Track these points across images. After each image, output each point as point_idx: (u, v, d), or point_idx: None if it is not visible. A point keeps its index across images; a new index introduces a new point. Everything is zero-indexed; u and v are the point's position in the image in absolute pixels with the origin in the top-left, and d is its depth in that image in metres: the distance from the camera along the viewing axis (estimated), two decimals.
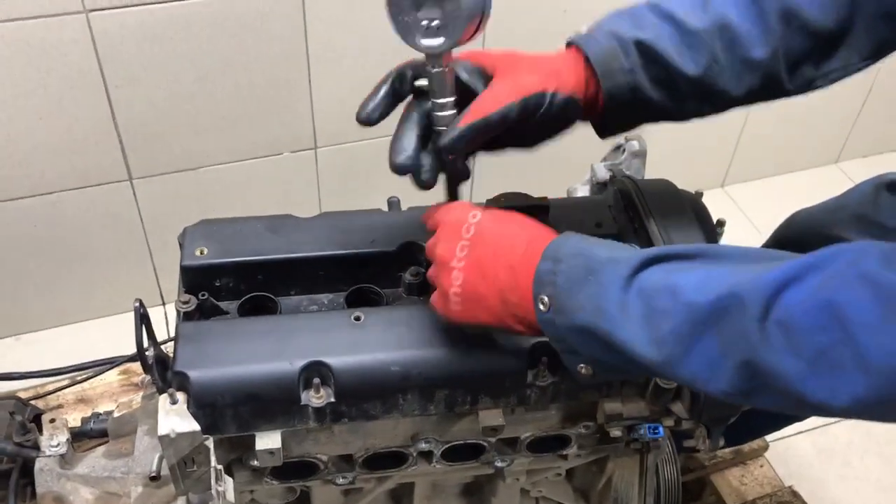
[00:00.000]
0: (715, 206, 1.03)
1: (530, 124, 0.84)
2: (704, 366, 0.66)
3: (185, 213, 1.76)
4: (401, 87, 0.83)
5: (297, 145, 1.78)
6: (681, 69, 0.84)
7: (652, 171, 1.14)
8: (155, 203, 1.75)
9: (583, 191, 1.16)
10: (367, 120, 0.82)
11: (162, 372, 0.88)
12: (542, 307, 0.73)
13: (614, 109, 0.87)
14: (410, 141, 0.82)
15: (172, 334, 0.91)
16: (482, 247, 0.78)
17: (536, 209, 0.95)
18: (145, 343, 0.86)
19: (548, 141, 0.89)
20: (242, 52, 1.60)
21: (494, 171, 2.02)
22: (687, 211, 0.99)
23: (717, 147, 2.28)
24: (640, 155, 1.10)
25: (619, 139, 1.16)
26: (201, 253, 0.92)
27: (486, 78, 0.83)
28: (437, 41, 0.76)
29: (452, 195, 0.90)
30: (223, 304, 0.93)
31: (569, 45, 0.87)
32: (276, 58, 1.63)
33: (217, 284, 0.93)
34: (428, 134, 0.84)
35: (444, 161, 0.85)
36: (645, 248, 0.75)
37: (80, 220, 1.71)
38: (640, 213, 0.98)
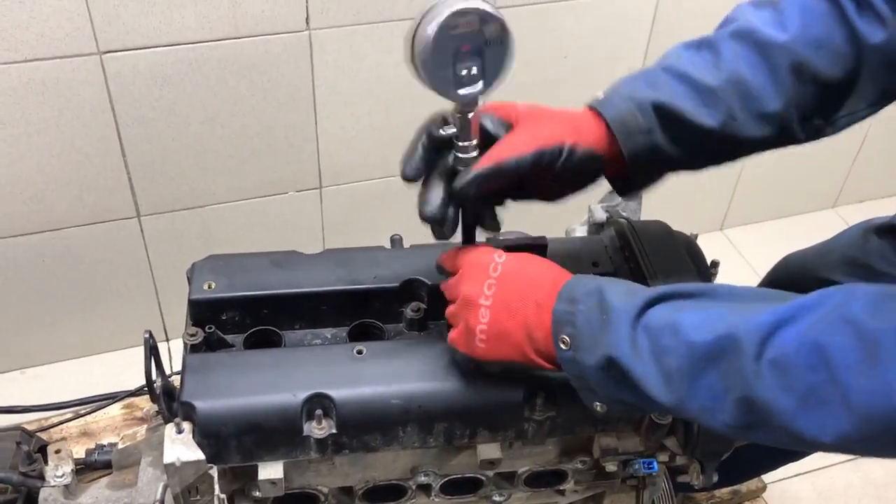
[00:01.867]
0: (713, 248, 1.06)
1: (549, 175, 0.85)
2: (709, 400, 0.70)
3: (191, 250, 1.80)
4: (431, 139, 0.85)
5: (302, 185, 1.82)
6: (699, 124, 0.86)
7: (652, 215, 1.17)
8: (161, 240, 1.78)
9: (580, 231, 1.18)
10: (412, 177, 0.85)
11: (168, 402, 0.90)
12: (562, 346, 0.77)
13: (637, 168, 0.89)
14: (438, 194, 0.85)
15: (175, 369, 0.93)
16: (509, 285, 0.81)
17: (535, 248, 0.98)
18: (153, 374, 0.88)
19: (572, 194, 0.91)
20: (250, 95, 1.64)
21: None
22: (681, 252, 1.02)
23: (715, 191, 2.31)
24: (637, 197, 1.13)
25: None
26: (209, 287, 0.95)
27: (509, 128, 0.86)
28: (474, 89, 0.79)
29: (469, 239, 0.92)
30: (229, 337, 0.96)
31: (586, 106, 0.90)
32: (283, 100, 1.67)
33: (223, 318, 0.95)
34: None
35: (465, 207, 0.88)
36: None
37: (88, 255, 1.74)
38: (636, 253, 1.01)
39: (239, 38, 1.56)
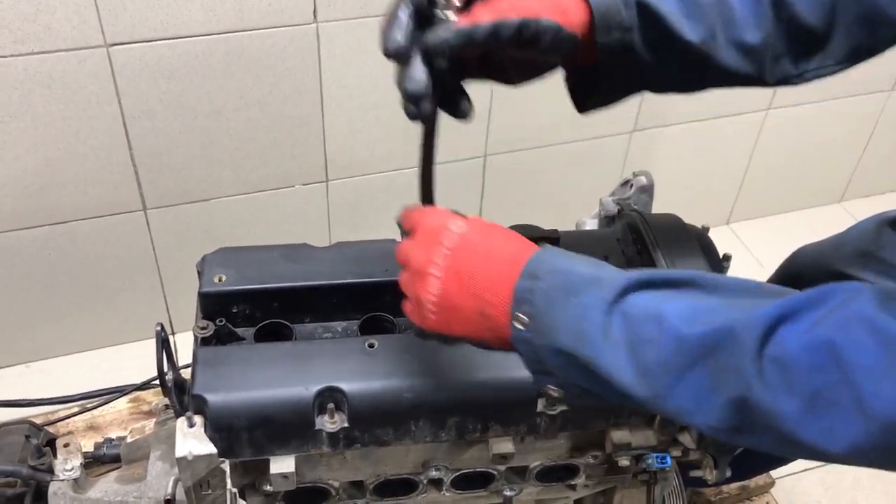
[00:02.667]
0: (720, 242, 1.05)
1: (523, 53, 0.79)
2: (691, 399, 0.64)
3: (197, 243, 1.79)
4: (416, 4, 0.75)
5: (308, 178, 1.81)
6: (680, 35, 0.82)
7: (658, 208, 1.16)
8: (168, 233, 1.77)
9: (591, 224, 1.18)
10: (401, 52, 0.74)
11: (179, 396, 0.90)
12: (517, 325, 0.70)
13: (603, 68, 0.84)
14: (421, 68, 0.74)
15: (182, 363, 0.92)
16: (463, 257, 0.74)
17: (547, 241, 0.97)
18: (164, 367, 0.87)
19: (533, 79, 0.85)
20: (257, 88, 1.63)
21: (502, 204, 2.05)
22: (694, 245, 1.01)
23: (722, 185, 2.31)
24: (648, 190, 1.13)
25: (627, 174, 1.19)
26: (220, 280, 0.95)
27: None
28: None
29: (427, 197, 0.86)
30: (239, 330, 0.95)
31: None
32: (290, 93, 1.66)
33: (234, 311, 0.95)
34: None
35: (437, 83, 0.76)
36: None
37: (94, 249, 1.73)
38: (648, 246, 1.01)
39: (246, 30, 1.55)
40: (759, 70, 0.86)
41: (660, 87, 0.89)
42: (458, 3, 0.76)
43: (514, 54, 0.80)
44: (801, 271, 1.34)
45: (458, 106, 0.81)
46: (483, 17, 0.74)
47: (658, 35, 0.82)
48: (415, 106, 0.75)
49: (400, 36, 0.73)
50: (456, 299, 0.74)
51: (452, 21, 0.75)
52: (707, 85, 0.89)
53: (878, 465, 0.59)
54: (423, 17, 0.75)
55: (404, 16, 0.74)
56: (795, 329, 0.59)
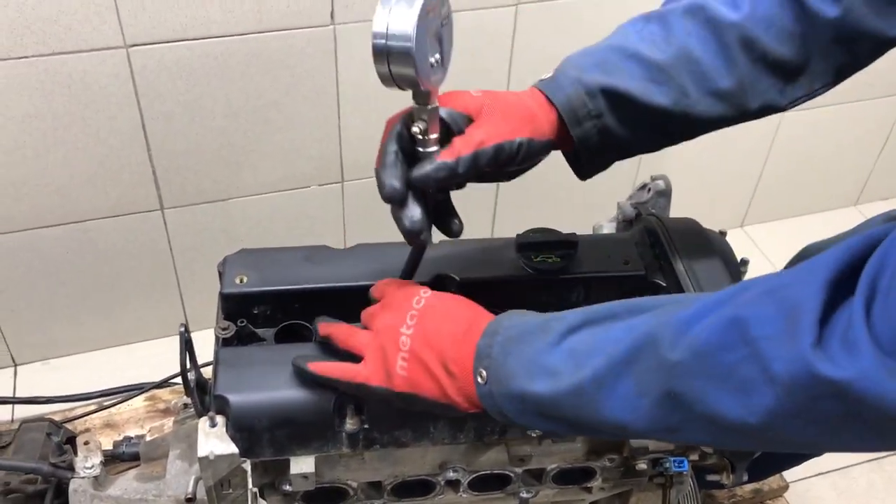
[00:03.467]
0: (734, 245, 1.06)
1: (505, 166, 0.86)
2: (624, 409, 0.68)
3: (214, 243, 1.81)
4: (403, 147, 0.82)
5: (324, 179, 1.82)
6: (651, 104, 0.86)
7: (672, 211, 1.16)
8: (185, 233, 1.78)
9: (608, 228, 1.18)
10: (393, 198, 0.80)
11: (200, 395, 0.91)
12: (480, 380, 0.76)
13: (586, 152, 0.89)
14: (418, 210, 0.82)
15: (199, 362, 0.93)
16: (429, 318, 0.80)
17: (566, 244, 0.98)
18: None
19: (521, 174, 0.91)
20: (274, 89, 1.64)
21: (517, 207, 2.05)
22: (712, 250, 1.02)
23: (736, 187, 2.30)
24: (666, 194, 1.13)
25: (644, 178, 1.19)
26: (241, 281, 0.95)
27: (468, 120, 0.85)
28: (439, 75, 0.79)
29: (410, 272, 0.93)
30: (260, 331, 0.96)
31: (535, 87, 0.89)
32: (307, 94, 1.67)
33: (255, 312, 0.96)
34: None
35: (429, 203, 0.84)
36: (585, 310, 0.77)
37: (111, 247, 1.75)
38: (667, 251, 1.01)
39: (264, 32, 1.56)
40: (739, 110, 0.89)
41: (646, 149, 0.94)
42: (436, 137, 0.81)
43: (495, 170, 0.87)
44: None
45: (450, 227, 0.89)
46: (462, 149, 0.80)
47: (630, 111, 0.86)
48: (414, 239, 0.83)
49: (395, 182, 0.80)
50: (423, 355, 0.78)
51: (435, 155, 0.81)
52: (689, 136, 0.92)
53: (798, 436, 0.61)
54: (410, 153, 0.82)
55: (393, 155, 0.80)
56: (710, 317, 0.62)
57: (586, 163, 0.92)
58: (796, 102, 0.91)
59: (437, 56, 0.77)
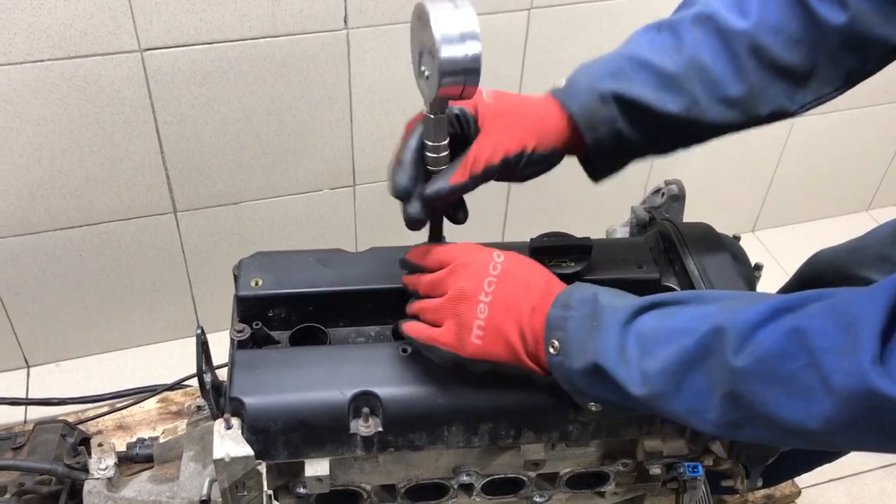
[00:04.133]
0: (746, 250, 1.05)
1: (514, 173, 0.89)
2: (694, 401, 0.71)
3: (226, 246, 1.82)
4: (420, 146, 0.85)
5: (336, 182, 1.83)
6: (663, 111, 0.88)
7: (684, 215, 1.16)
8: (197, 235, 1.79)
9: (622, 232, 1.18)
10: (399, 195, 0.84)
11: (215, 398, 0.91)
12: (552, 350, 0.78)
13: (602, 155, 0.91)
14: (418, 205, 0.85)
15: (213, 363, 0.94)
16: (508, 284, 0.82)
17: (580, 248, 0.98)
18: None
19: (537, 176, 0.93)
20: (287, 93, 1.65)
21: (528, 211, 2.05)
22: (726, 255, 1.01)
23: (748, 192, 2.30)
24: (680, 199, 1.13)
25: (653, 181, 1.19)
26: (256, 284, 0.96)
27: (474, 121, 0.87)
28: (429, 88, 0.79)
29: (437, 233, 0.92)
30: (275, 334, 0.96)
31: (549, 93, 0.91)
32: (320, 98, 1.68)
33: (270, 314, 0.96)
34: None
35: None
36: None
37: (125, 250, 1.76)
38: (681, 255, 1.01)
39: (278, 36, 1.57)
40: (750, 116, 0.91)
41: (658, 153, 0.95)
42: (446, 143, 0.84)
43: (502, 178, 0.89)
44: (818, 276, 1.33)
45: (457, 216, 0.91)
46: (473, 167, 0.84)
47: (642, 117, 0.88)
48: (415, 227, 0.87)
49: (404, 181, 0.84)
50: (502, 323, 0.80)
51: (447, 173, 0.84)
52: (702, 141, 0.94)
53: (856, 441, 0.66)
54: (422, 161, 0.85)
55: (408, 159, 0.84)
56: (773, 326, 0.65)
57: (600, 166, 0.94)
58: (806, 107, 0.92)
59: (426, 71, 0.79)
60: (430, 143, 0.84)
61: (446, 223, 0.92)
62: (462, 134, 0.87)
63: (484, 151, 0.84)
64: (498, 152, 0.85)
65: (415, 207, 0.85)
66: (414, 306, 0.88)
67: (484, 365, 0.83)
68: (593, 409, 0.81)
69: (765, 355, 0.65)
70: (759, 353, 0.65)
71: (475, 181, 0.85)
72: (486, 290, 0.81)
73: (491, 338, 0.81)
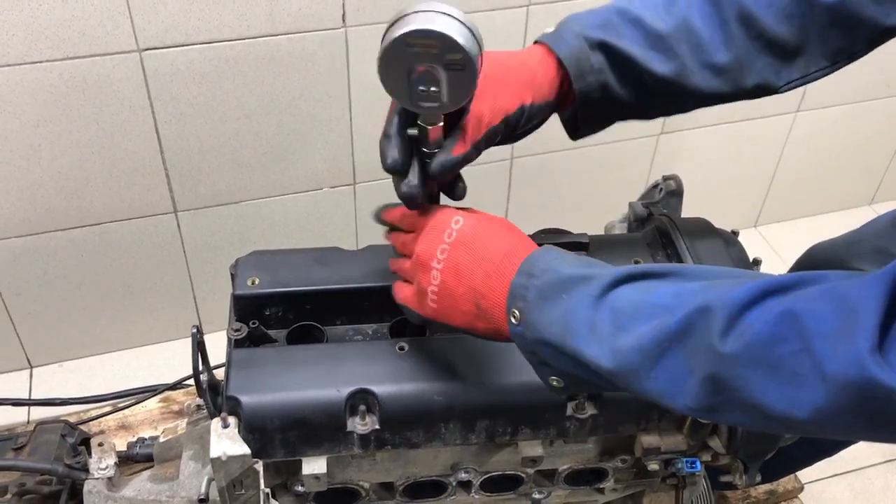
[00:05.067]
0: (748, 245, 1.05)
1: (511, 133, 0.87)
2: (669, 382, 0.67)
3: (227, 245, 1.82)
4: (406, 116, 0.82)
5: (336, 181, 1.83)
6: (650, 70, 0.87)
7: (685, 210, 1.16)
8: (198, 235, 1.79)
9: (620, 227, 1.18)
10: (394, 169, 0.82)
11: (213, 397, 0.91)
12: (513, 320, 0.75)
13: (586, 108, 0.89)
14: (415, 175, 0.83)
15: (213, 363, 0.94)
16: (461, 252, 0.80)
17: (577, 245, 0.98)
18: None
19: (527, 136, 0.91)
20: (286, 91, 1.65)
21: (529, 207, 2.05)
22: (724, 250, 1.01)
23: (750, 187, 2.29)
24: (678, 194, 1.13)
25: (653, 177, 1.19)
26: (253, 283, 0.96)
27: None
28: (433, 104, 0.77)
29: (433, 199, 0.90)
30: (272, 332, 0.96)
31: (536, 42, 0.89)
32: (319, 97, 1.68)
33: (267, 313, 0.96)
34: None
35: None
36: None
37: (126, 250, 1.76)
38: (679, 251, 1.00)
39: (276, 35, 1.57)
40: (734, 87, 0.89)
41: (641, 115, 0.93)
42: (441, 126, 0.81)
43: (503, 141, 0.88)
44: (814, 268, 1.32)
45: (455, 191, 0.90)
46: (474, 134, 0.82)
47: (629, 72, 0.87)
48: (411, 203, 0.84)
49: (395, 153, 0.81)
50: (454, 290, 0.79)
51: (450, 146, 0.82)
52: (687, 108, 0.93)
53: (843, 431, 0.61)
54: (414, 124, 0.81)
55: (394, 132, 0.82)
56: (762, 307, 0.61)
57: (583, 122, 0.91)
58: (791, 85, 0.91)
59: (428, 89, 0.76)
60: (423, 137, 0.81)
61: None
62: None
63: (484, 114, 0.82)
64: (497, 113, 0.83)
65: (410, 183, 0.82)
66: (393, 264, 0.90)
67: (447, 327, 0.82)
68: (555, 384, 0.76)
69: (753, 338, 0.61)
70: (747, 335, 0.61)
71: (478, 148, 0.83)
72: (439, 258, 0.80)
73: (444, 303, 0.80)
